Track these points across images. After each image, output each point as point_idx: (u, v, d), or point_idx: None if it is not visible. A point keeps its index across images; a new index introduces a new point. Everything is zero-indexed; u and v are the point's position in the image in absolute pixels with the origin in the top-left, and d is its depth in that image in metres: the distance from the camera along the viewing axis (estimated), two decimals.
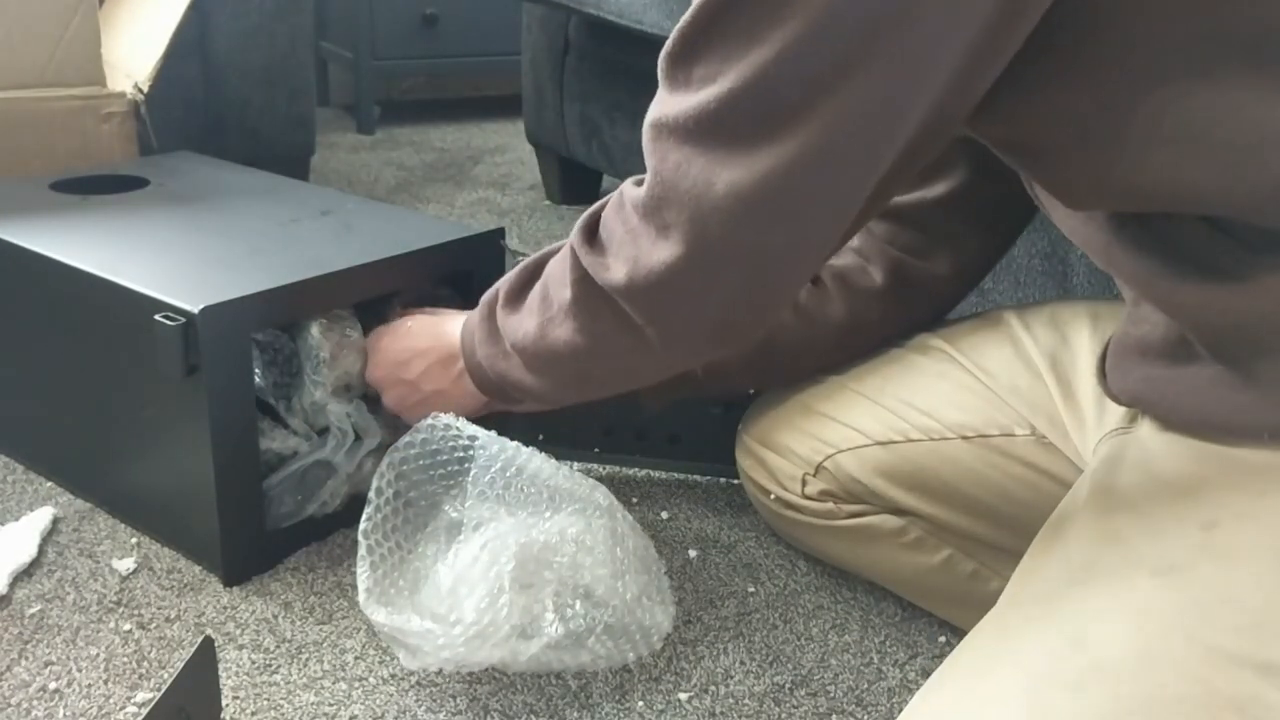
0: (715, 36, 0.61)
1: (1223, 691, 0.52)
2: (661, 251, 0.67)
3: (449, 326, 0.95)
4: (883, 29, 0.57)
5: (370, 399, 1.04)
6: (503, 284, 0.87)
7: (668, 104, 0.65)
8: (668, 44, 0.64)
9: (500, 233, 1.12)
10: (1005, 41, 0.58)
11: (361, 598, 0.84)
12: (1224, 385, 0.62)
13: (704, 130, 0.63)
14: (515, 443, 0.88)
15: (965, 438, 0.87)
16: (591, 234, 0.74)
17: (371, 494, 0.87)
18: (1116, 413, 0.75)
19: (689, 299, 0.69)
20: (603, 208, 0.75)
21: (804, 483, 0.94)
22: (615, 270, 0.70)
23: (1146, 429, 0.69)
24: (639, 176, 0.71)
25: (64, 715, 0.81)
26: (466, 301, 1.08)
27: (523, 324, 0.81)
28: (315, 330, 0.98)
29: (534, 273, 0.84)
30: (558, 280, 0.77)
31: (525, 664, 0.83)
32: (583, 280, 0.73)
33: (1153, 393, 0.67)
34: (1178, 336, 0.64)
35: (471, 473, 0.86)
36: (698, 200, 0.64)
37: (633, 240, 0.69)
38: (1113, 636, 0.55)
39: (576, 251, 0.74)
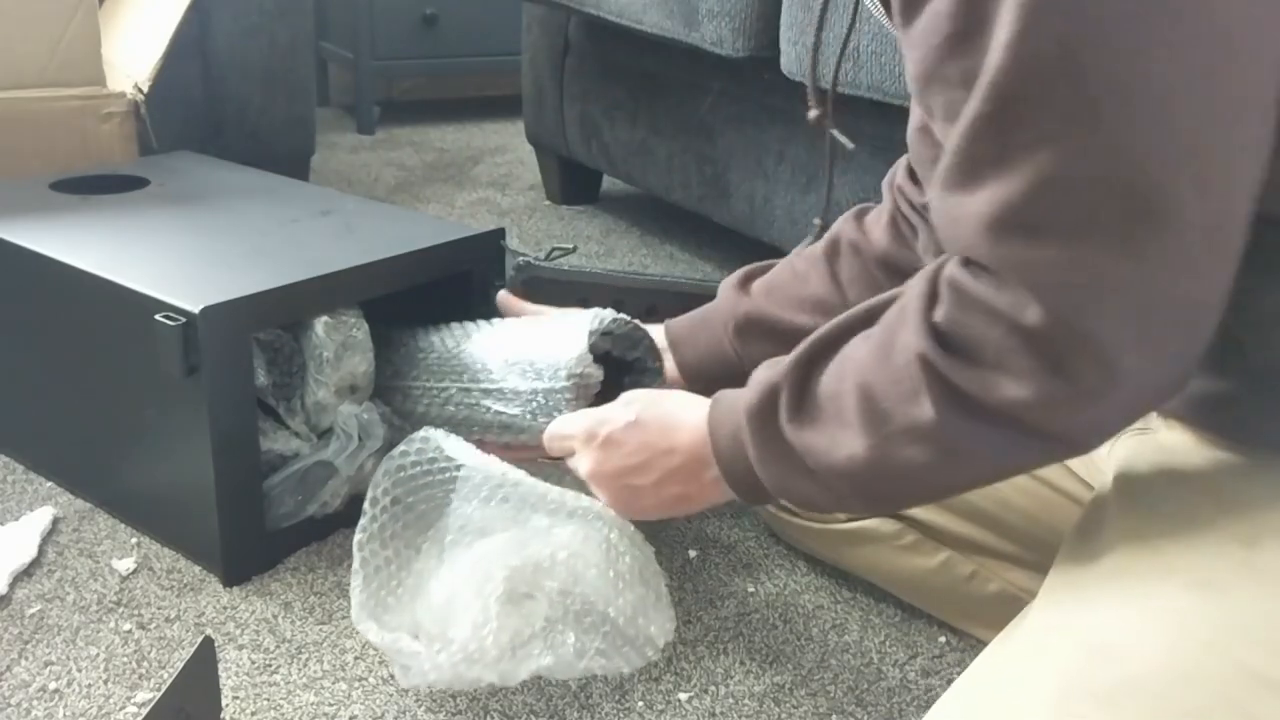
0: (1039, 99, 0.53)
1: (1255, 715, 0.51)
2: (1088, 366, 0.57)
3: (689, 422, 0.79)
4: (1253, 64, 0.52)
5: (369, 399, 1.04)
6: (770, 390, 0.71)
7: (989, 193, 0.56)
8: (973, 112, 0.55)
9: (500, 233, 1.12)
10: None
11: (354, 613, 0.83)
12: (1268, 395, 0.60)
13: (1053, 218, 0.54)
14: (503, 463, 0.87)
15: None
16: (945, 343, 0.61)
17: (366, 504, 0.86)
18: None
19: (1128, 397, 0.59)
20: (929, 306, 0.62)
21: None
22: (1014, 388, 0.59)
23: (1172, 433, 0.68)
24: (964, 256, 0.60)
25: (64, 715, 0.81)
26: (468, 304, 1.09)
27: (840, 444, 0.67)
28: (320, 329, 0.98)
29: (808, 372, 0.70)
30: (899, 396, 0.63)
31: (519, 681, 0.83)
32: (954, 398, 0.61)
33: (1189, 399, 0.64)
34: (1218, 341, 0.61)
35: (461, 491, 0.85)
36: (1099, 296, 0.55)
37: (1033, 354, 0.58)
38: (1147, 649, 0.54)
39: (937, 366, 0.61)
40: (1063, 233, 0.55)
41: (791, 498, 0.73)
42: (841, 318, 0.70)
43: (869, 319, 0.68)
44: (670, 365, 1.03)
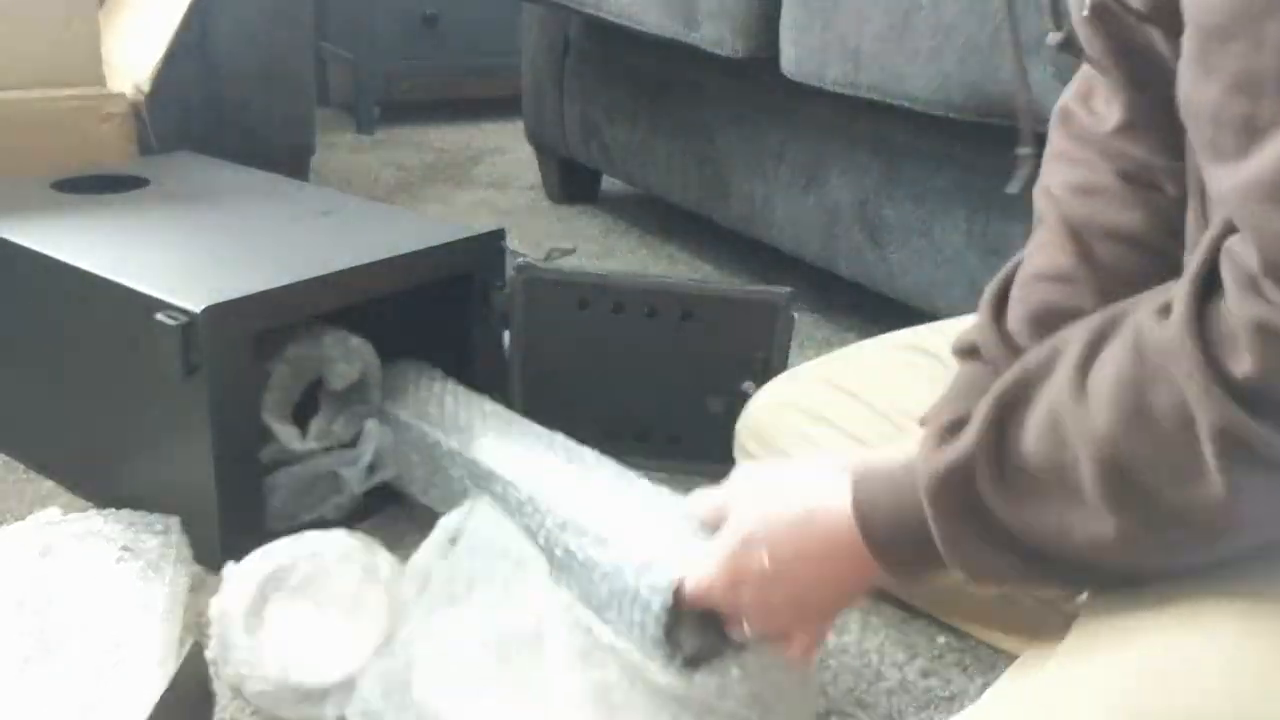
0: None
1: None
2: None
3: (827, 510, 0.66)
4: None
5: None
6: (960, 458, 0.58)
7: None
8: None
9: (500, 233, 1.12)
10: None
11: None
12: None
13: None
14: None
15: None
16: (1258, 407, 0.49)
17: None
18: None
19: None
20: (1216, 355, 0.49)
21: None
22: None
23: None
24: (1252, 278, 0.48)
25: None
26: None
27: (1075, 526, 0.56)
28: (328, 341, 0.99)
29: (1002, 432, 0.58)
30: (1172, 472, 0.52)
31: None
32: (1258, 472, 0.50)
33: None
34: None
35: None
36: None
37: None
38: (1204, 680, 0.52)
39: (1250, 439, 0.49)
40: None
41: (985, 576, 0.62)
42: (1027, 361, 0.59)
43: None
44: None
